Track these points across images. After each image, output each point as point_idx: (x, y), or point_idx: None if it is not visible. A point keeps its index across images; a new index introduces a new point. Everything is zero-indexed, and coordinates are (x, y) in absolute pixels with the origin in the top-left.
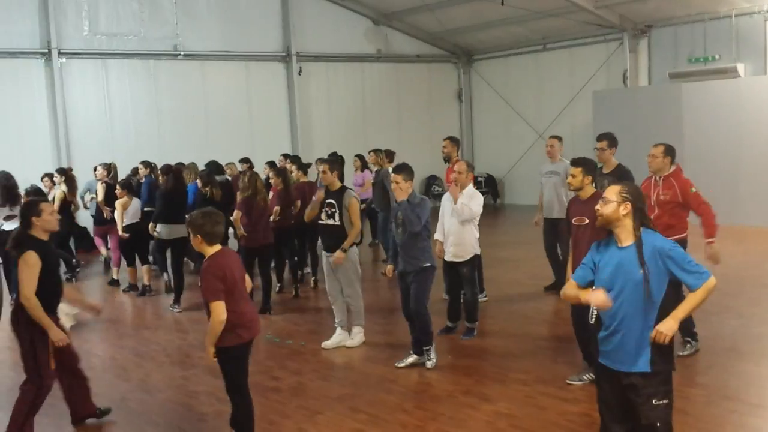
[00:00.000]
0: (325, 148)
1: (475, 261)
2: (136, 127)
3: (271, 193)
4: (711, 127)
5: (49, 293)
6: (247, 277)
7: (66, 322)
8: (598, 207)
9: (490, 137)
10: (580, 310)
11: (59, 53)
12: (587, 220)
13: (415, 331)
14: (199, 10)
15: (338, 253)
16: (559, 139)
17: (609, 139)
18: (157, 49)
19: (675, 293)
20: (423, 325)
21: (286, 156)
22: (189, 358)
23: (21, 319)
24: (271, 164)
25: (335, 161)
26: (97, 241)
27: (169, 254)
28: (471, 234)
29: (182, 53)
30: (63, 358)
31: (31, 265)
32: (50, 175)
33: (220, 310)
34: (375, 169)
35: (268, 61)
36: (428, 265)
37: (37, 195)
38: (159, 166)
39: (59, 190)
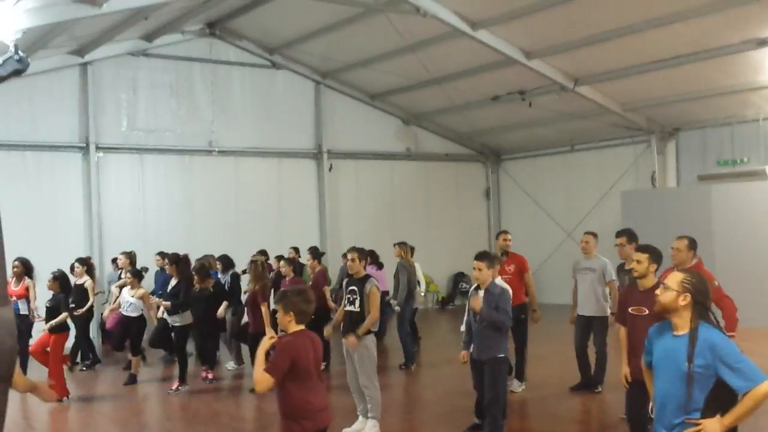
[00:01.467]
0: (353, 243)
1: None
2: (168, 220)
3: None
4: (740, 229)
5: None
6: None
7: None
8: (657, 292)
9: (517, 235)
10: (637, 400)
11: (97, 148)
12: (646, 311)
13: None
14: (235, 108)
15: (351, 337)
16: (594, 235)
17: (628, 235)
18: (193, 145)
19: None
20: (493, 419)
21: (295, 249)
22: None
23: None
24: (280, 257)
25: (364, 250)
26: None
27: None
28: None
29: (217, 149)
30: None
31: None
32: (82, 261)
33: (264, 384)
34: (398, 261)
35: (300, 158)
36: (503, 356)
37: (62, 279)
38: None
39: (89, 282)
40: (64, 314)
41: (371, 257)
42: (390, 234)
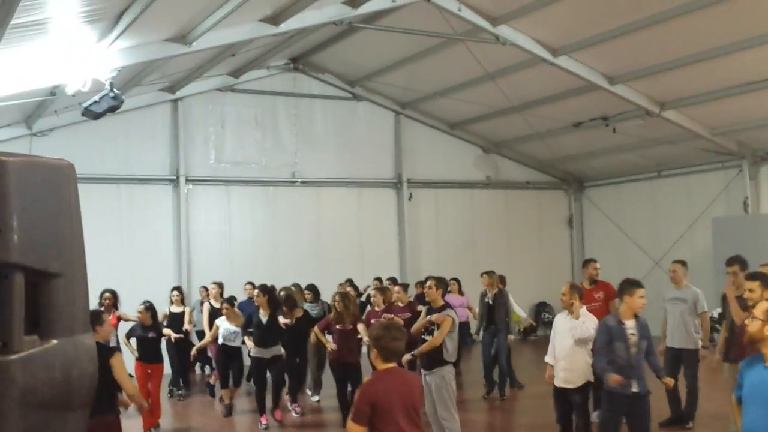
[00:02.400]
0: (432, 272)
1: (588, 388)
2: (253, 249)
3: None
4: None
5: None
6: None
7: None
8: (746, 322)
9: (602, 265)
10: None
11: (186, 180)
12: None
13: None
14: (317, 139)
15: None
16: (683, 263)
17: (740, 263)
18: (277, 176)
19: None
20: None
21: (379, 279)
22: None
23: None
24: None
25: (442, 279)
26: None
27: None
28: (583, 359)
29: (300, 180)
30: None
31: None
32: (179, 289)
33: (355, 429)
34: (494, 291)
35: (380, 187)
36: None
37: (149, 310)
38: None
39: (187, 309)
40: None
41: (457, 285)
42: (470, 263)
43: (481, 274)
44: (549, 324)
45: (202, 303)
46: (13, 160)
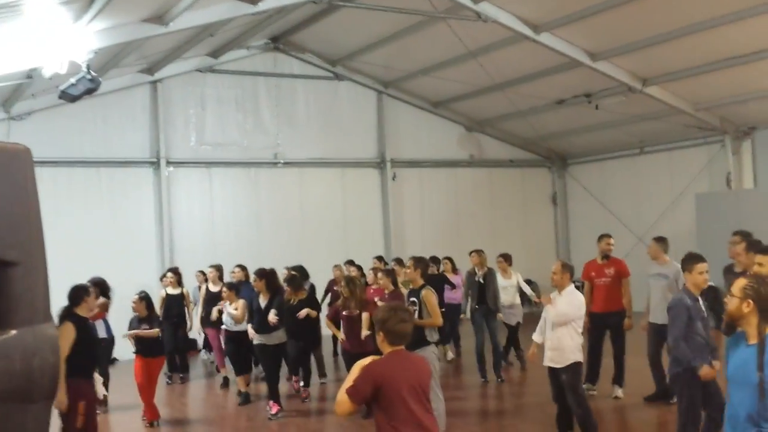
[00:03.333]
0: (418, 252)
1: (577, 368)
2: (236, 232)
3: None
4: None
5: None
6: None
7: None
8: (725, 300)
9: (586, 241)
10: None
11: (167, 162)
12: None
13: None
14: (299, 120)
15: None
16: (658, 240)
17: (742, 235)
18: (259, 157)
19: None
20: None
21: (379, 258)
22: None
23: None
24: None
25: (421, 259)
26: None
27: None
28: (568, 338)
29: (282, 161)
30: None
31: (67, 332)
32: (175, 271)
33: (342, 407)
34: (484, 269)
35: (363, 167)
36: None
37: (145, 300)
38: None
39: (186, 290)
40: (154, 330)
41: (450, 264)
42: (455, 242)
43: (470, 253)
44: (532, 301)
45: (199, 288)
46: None
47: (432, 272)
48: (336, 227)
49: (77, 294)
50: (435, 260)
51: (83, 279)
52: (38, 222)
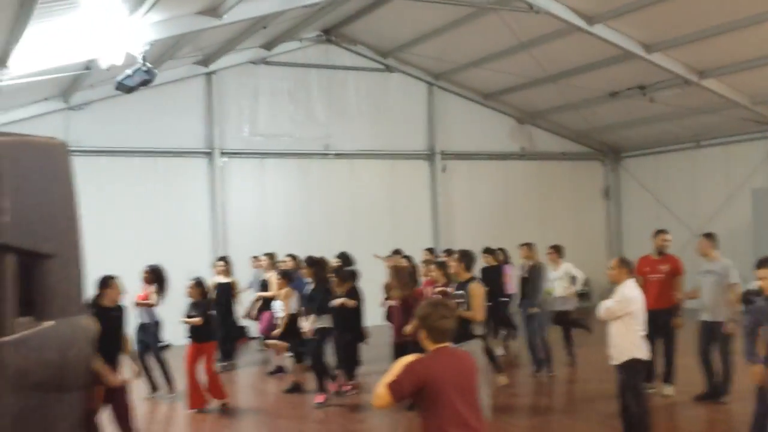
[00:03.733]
0: (467, 244)
1: (634, 366)
2: (287, 222)
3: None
4: None
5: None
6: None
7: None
8: None
9: (639, 236)
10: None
11: (221, 153)
12: None
13: None
14: (350, 111)
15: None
16: (708, 236)
17: None
18: (310, 148)
19: None
20: None
21: (430, 250)
22: None
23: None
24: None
25: (466, 253)
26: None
27: None
28: (622, 334)
29: (333, 152)
30: (115, 406)
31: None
32: (224, 259)
33: (380, 400)
34: (530, 263)
35: (413, 159)
36: None
37: (200, 286)
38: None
39: (235, 279)
40: (196, 319)
41: (503, 256)
42: (505, 235)
43: (519, 246)
44: (583, 296)
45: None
46: (4, 140)
47: (489, 263)
48: (385, 218)
49: (99, 285)
50: (490, 251)
51: (137, 266)
52: (75, 215)
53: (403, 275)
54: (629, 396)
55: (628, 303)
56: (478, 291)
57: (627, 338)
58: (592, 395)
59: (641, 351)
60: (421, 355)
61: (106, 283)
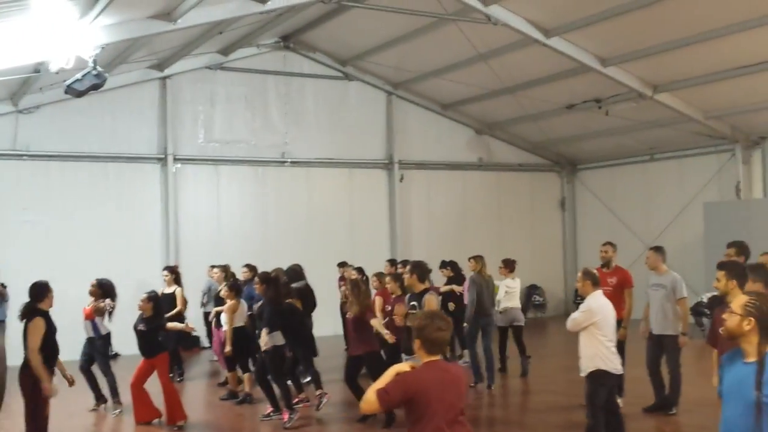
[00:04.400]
0: (424, 254)
1: (593, 378)
2: (242, 230)
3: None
4: None
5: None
6: None
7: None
8: (724, 317)
9: (594, 248)
10: None
11: (175, 159)
12: None
13: None
14: (307, 119)
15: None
16: (656, 249)
17: (738, 247)
18: (266, 156)
19: None
20: None
21: (391, 261)
22: None
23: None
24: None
25: (418, 265)
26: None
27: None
28: (586, 345)
29: (290, 160)
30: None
31: (39, 328)
32: (171, 269)
33: (368, 406)
34: (469, 275)
35: (371, 168)
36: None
37: (152, 300)
38: (260, 268)
39: (178, 290)
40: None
41: (452, 269)
42: (462, 245)
43: (468, 259)
44: (539, 307)
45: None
46: None
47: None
48: (343, 228)
49: (40, 290)
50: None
51: (87, 273)
52: None
53: (360, 290)
54: (587, 406)
55: (591, 314)
56: (432, 302)
57: (592, 349)
58: (541, 407)
59: (607, 363)
60: (414, 365)
61: (48, 288)
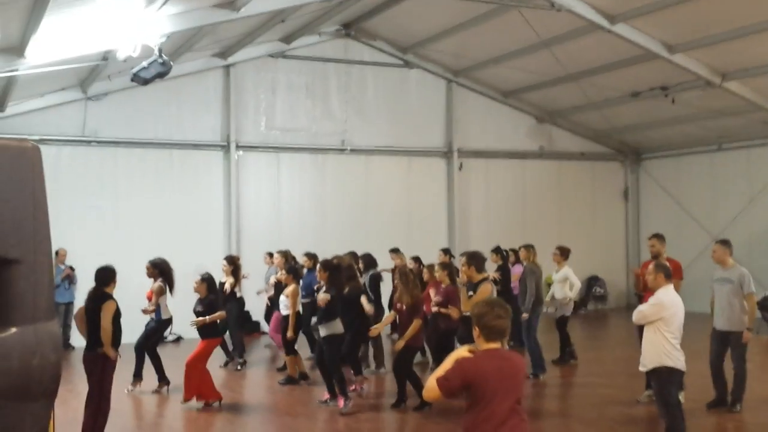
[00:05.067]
0: (482, 243)
1: (661, 374)
2: (301, 217)
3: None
4: None
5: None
6: None
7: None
8: None
9: None
10: None
11: (237, 146)
12: None
13: None
14: (368, 107)
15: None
16: (723, 243)
17: None
18: (326, 143)
19: None
20: None
21: (445, 251)
22: None
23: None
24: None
25: (474, 255)
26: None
27: None
28: (653, 341)
29: (349, 148)
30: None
31: (112, 309)
32: (230, 260)
33: (430, 394)
34: (524, 265)
35: (430, 157)
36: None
37: (210, 281)
38: (321, 256)
39: (230, 280)
40: (220, 312)
41: (515, 256)
42: (521, 235)
43: (519, 248)
44: (600, 299)
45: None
46: None
47: (495, 262)
48: (400, 216)
49: (108, 275)
50: (497, 251)
51: (150, 257)
52: (44, 220)
53: (409, 280)
54: (659, 404)
55: (662, 308)
56: (484, 290)
57: (656, 345)
58: (598, 400)
59: (671, 359)
60: (473, 350)
61: (114, 273)
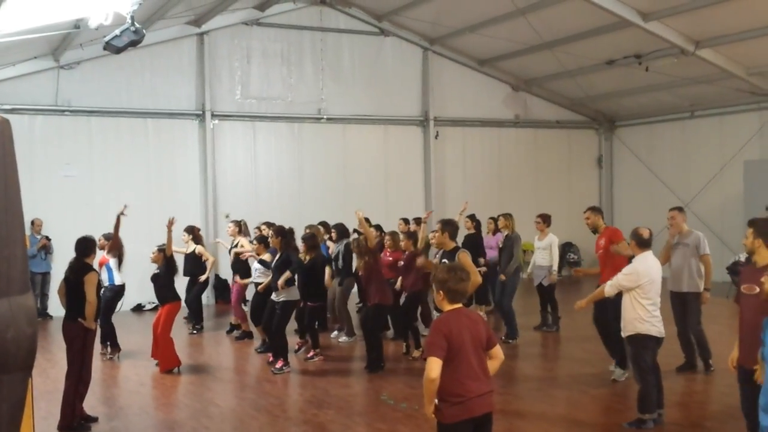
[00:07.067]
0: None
1: (635, 341)
2: (278, 186)
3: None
4: None
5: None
6: None
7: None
8: (762, 280)
9: (631, 205)
10: (751, 393)
11: (212, 115)
12: (757, 289)
13: None
14: (344, 76)
15: None
16: (679, 209)
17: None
18: (302, 112)
19: None
20: None
21: (405, 220)
22: (303, 414)
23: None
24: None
25: (449, 222)
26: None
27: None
28: (629, 309)
29: (325, 117)
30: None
31: (95, 281)
32: (189, 230)
33: (431, 366)
34: (505, 233)
35: (407, 125)
36: None
37: (161, 251)
38: (296, 224)
39: (199, 248)
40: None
41: (494, 224)
42: (497, 203)
43: (498, 217)
44: (574, 264)
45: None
46: None
47: (469, 229)
48: (377, 184)
49: (89, 246)
50: (472, 218)
51: (128, 228)
52: (15, 193)
53: (360, 246)
54: (634, 369)
55: (638, 276)
56: (466, 259)
57: (632, 312)
58: (570, 364)
59: (647, 326)
60: (440, 316)
61: (94, 244)
